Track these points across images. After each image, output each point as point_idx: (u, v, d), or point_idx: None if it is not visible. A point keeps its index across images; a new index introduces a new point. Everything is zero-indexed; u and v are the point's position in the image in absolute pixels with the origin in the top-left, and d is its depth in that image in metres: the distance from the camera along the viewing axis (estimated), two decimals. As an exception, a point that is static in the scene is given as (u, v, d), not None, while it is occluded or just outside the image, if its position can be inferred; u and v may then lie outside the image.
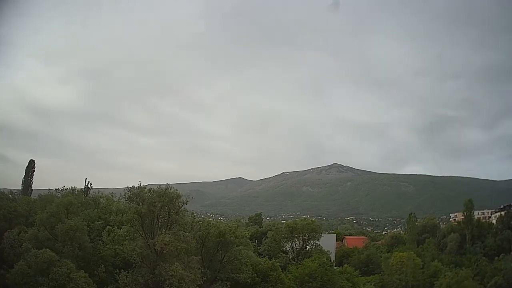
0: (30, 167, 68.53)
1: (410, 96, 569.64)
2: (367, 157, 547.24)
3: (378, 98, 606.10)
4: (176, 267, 32.88)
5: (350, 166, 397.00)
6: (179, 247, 34.09)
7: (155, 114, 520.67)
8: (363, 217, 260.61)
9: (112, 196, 58.28)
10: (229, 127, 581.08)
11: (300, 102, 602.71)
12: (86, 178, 60.73)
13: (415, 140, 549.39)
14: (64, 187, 52.98)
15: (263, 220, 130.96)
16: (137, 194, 36.64)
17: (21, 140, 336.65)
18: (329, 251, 62.60)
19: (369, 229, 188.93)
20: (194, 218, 43.24)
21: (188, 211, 41.62)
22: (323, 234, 65.50)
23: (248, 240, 46.30)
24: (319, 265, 47.06)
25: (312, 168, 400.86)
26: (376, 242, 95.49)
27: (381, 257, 65.00)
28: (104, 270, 37.26)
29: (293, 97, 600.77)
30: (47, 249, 34.03)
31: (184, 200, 37.70)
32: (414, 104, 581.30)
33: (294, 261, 56.68)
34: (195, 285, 34.15)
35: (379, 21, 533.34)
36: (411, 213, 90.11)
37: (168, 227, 36.20)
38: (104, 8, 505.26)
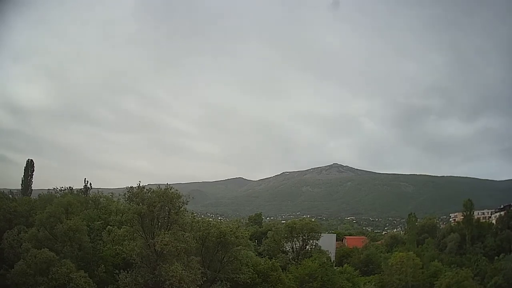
0: (29, 167, 68.35)
1: (377, 86, 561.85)
2: (343, 152, 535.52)
3: (344, 89, 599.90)
4: (177, 267, 32.87)
5: (350, 166, 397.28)
6: (179, 247, 34.09)
7: (123, 112, 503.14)
8: (363, 217, 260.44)
9: (112, 196, 58.29)
10: (194, 124, 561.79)
11: (258, 96, 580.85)
12: (85, 178, 60.69)
13: (391, 134, 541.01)
14: (63, 187, 53.13)
15: (263, 220, 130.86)
16: (137, 194, 36.66)
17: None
18: (329, 251, 62.72)
19: (369, 229, 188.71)
20: (194, 218, 43.23)
21: (188, 211, 41.67)
22: (323, 234, 65.64)
23: (248, 240, 46.24)
24: (319, 265, 47.08)
25: (312, 168, 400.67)
26: (376, 242, 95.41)
27: (381, 257, 65.01)
28: (104, 270, 37.28)
29: (249, 91, 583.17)
30: (47, 249, 34.02)
31: (184, 200, 37.74)
32: (384, 94, 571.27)
33: (294, 261, 56.69)
34: (196, 285, 34.16)
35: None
36: (411, 213, 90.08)
37: (168, 227, 36.20)
38: (55, 6, 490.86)
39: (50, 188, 53.71)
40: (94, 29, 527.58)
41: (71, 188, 53.64)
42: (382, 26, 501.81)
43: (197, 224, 40.88)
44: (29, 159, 69.36)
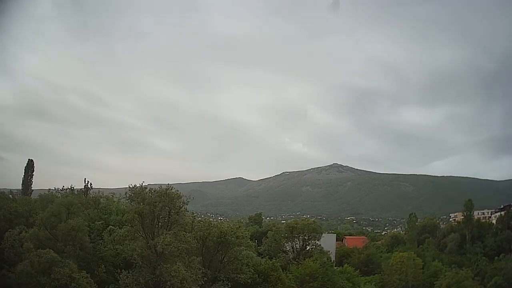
0: (30, 166, 68.22)
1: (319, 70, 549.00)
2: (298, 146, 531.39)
3: (284, 78, 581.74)
4: (179, 267, 32.91)
5: (350, 166, 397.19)
6: (180, 247, 34.12)
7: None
8: (363, 217, 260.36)
9: (112, 196, 58.27)
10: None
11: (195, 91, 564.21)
12: (85, 178, 60.66)
13: (345, 123, 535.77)
14: (64, 187, 53.05)
15: (263, 220, 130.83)
16: (138, 194, 36.70)
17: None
18: (329, 251, 62.71)
19: (369, 229, 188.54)
20: (195, 219, 43.26)
21: (188, 211, 41.69)
22: (323, 234, 65.59)
23: (249, 240, 46.27)
24: (320, 265, 47.11)
25: (312, 168, 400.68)
26: (376, 242, 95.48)
27: (381, 257, 65.09)
28: (104, 270, 37.28)
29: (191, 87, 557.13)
30: (51, 249, 34.04)
31: (185, 200, 37.77)
32: (329, 79, 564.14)
33: (295, 261, 56.71)
34: (197, 285, 34.20)
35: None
36: (412, 213, 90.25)
37: (169, 227, 36.23)
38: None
39: (50, 188, 53.60)
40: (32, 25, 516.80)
41: (72, 188, 53.58)
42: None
43: (198, 224, 40.91)
44: (29, 159, 69.30)
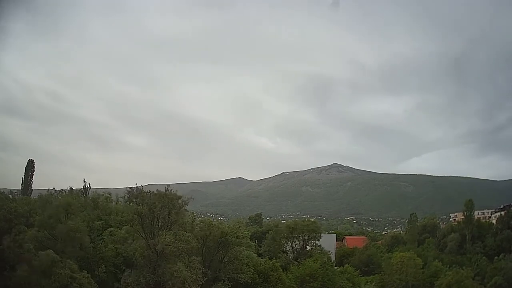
0: (30, 167, 68.14)
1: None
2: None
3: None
4: (180, 267, 32.89)
5: (350, 166, 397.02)
6: (180, 247, 34.09)
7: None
8: (363, 217, 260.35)
9: (110, 196, 58.22)
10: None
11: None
12: (84, 179, 60.66)
13: (306, 115, 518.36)
14: (63, 188, 53.02)
15: (263, 220, 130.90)
16: (137, 195, 36.68)
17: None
18: (329, 251, 62.63)
19: (369, 229, 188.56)
20: (195, 219, 43.25)
21: (188, 211, 41.67)
22: (323, 234, 65.57)
23: (249, 241, 46.26)
24: (320, 265, 47.05)
25: (312, 168, 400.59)
26: (376, 242, 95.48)
27: (381, 257, 65.03)
28: (104, 270, 37.24)
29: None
30: (51, 250, 33.98)
31: (185, 200, 37.74)
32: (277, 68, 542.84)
33: (295, 261, 56.67)
34: (197, 285, 34.16)
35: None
36: (413, 213, 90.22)
37: (168, 227, 36.21)
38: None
39: (50, 188, 53.56)
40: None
41: (71, 189, 53.56)
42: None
43: (198, 224, 40.89)
44: (29, 159, 69.17)
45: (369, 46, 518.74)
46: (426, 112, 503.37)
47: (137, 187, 37.60)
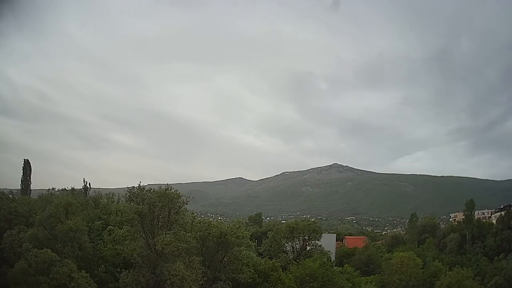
0: (26, 166, 67.93)
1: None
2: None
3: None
4: (179, 266, 32.88)
5: (350, 166, 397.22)
6: (180, 247, 34.08)
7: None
8: (363, 217, 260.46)
9: (112, 196, 58.33)
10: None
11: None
12: (84, 178, 60.73)
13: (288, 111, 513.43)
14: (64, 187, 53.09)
15: (263, 220, 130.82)
16: (137, 194, 36.66)
17: None
18: (329, 251, 62.63)
19: (369, 229, 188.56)
20: (195, 219, 43.22)
21: (188, 211, 41.64)
22: (323, 234, 65.56)
23: (249, 241, 46.24)
24: (320, 265, 47.02)
25: (312, 168, 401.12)
26: (376, 242, 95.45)
27: (381, 257, 64.97)
28: (104, 270, 37.24)
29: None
30: (49, 249, 34.00)
31: (184, 200, 37.73)
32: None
33: (295, 261, 56.66)
34: (197, 285, 34.14)
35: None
36: (413, 213, 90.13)
37: (168, 227, 36.21)
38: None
39: (50, 188, 53.63)
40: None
41: (72, 188, 53.64)
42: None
43: (198, 224, 40.87)
44: (25, 159, 68.85)
45: (352, 40, 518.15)
46: (414, 107, 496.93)
47: (138, 186, 37.51)
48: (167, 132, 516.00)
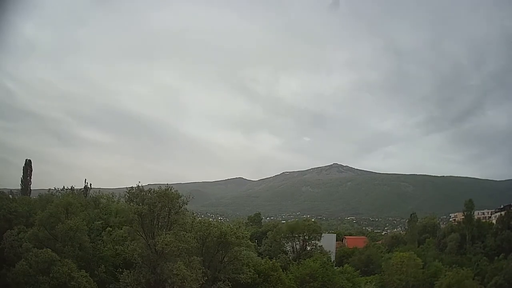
0: (27, 166, 68.02)
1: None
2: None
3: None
4: (180, 265, 32.90)
5: (350, 166, 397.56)
6: (180, 247, 34.10)
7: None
8: (363, 217, 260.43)
9: (112, 196, 58.33)
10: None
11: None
12: (85, 179, 60.73)
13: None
14: (64, 187, 53.04)
15: (263, 220, 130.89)
16: (137, 194, 36.67)
17: None
18: (329, 251, 62.69)
19: (369, 229, 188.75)
20: (195, 219, 43.24)
21: (188, 211, 41.64)
22: (323, 234, 65.62)
23: (249, 241, 46.26)
24: (320, 265, 47.04)
25: (312, 168, 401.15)
26: (376, 242, 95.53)
27: (381, 257, 65.04)
28: (104, 270, 37.22)
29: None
30: (49, 249, 34.02)
31: (184, 200, 37.75)
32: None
33: (295, 261, 56.70)
34: (197, 284, 34.16)
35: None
36: (413, 213, 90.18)
37: (168, 227, 36.22)
38: None
39: (50, 188, 53.59)
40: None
41: (72, 188, 53.61)
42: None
43: (198, 224, 40.89)
44: (27, 159, 69.00)
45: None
46: (370, 93, 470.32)
47: (137, 186, 37.53)
48: (134, 130, 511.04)
